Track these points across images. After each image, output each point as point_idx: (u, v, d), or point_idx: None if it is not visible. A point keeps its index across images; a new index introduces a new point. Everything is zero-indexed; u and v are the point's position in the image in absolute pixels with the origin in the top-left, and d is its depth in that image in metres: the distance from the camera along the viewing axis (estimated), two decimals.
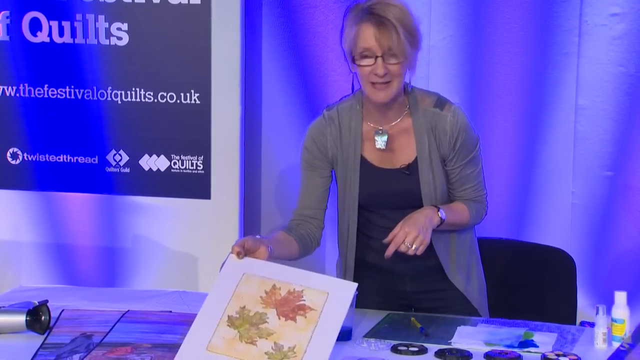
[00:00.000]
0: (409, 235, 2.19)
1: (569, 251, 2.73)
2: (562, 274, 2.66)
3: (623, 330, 2.04)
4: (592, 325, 2.14)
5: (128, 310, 2.34)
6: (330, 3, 3.45)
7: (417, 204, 2.33)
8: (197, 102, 3.35)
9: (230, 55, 3.30)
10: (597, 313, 2.04)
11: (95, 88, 3.38)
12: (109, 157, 3.41)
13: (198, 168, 3.38)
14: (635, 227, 3.29)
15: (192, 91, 3.35)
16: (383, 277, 2.44)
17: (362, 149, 2.35)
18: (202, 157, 3.37)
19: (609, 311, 2.06)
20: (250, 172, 3.54)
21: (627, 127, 3.26)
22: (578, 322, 2.77)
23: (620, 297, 2.04)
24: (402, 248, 2.19)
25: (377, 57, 2.18)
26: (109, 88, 3.38)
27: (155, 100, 3.36)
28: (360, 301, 2.33)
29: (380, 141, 2.32)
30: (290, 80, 3.53)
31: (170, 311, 2.38)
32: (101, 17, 3.33)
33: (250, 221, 3.56)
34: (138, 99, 3.37)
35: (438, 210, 2.29)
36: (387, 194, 2.35)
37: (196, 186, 3.37)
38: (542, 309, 2.61)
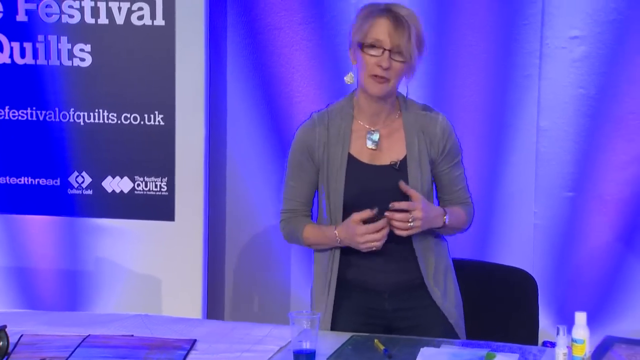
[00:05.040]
0: (417, 212, 2.24)
1: (531, 271, 2.75)
2: (524, 295, 2.67)
3: (583, 351, 2.05)
4: (554, 345, 2.15)
5: (89, 335, 2.31)
6: (295, 25, 3.47)
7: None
8: (161, 123, 3.34)
9: (194, 77, 3.30)
10: (557, 333, 2.06)
11: (57, 109, 3.36)
12: (71, 179, 3.38)
13: (162, 190, 3.36)
14: (595, 248, 3.32)
15: (156, 112, 3.34)
16: (362, 295, 2.43)
17: (350, 147, 2.37)
18: (166, 178, 3.35)
19: (569, 331, 2.07)
20: (215, 194, 3.53)
21: (588, 148, 3.30)
22: (540, 342, 2.78)
23: (580, 317, 2.05)
24: (402, 217, 2.23)
25: (384, 50, 2.25)
26: (72, 109, 3.35)
27: (119, 122, 3.35)
28: (339, 323, 2.34)
29: (371, 141, 2.36)
30: (255, 102, 3.54)
31: (132, 335, 2.35)
32: (64, 39, 3.32)
33: (215, 243, 3.54)
34: (101, 120, 3.35)
35: (445, 215, 2.34)
36: (375, 191, 2.34)
37: (160, 208, 3.36)
38: (504, 329, 2.61)
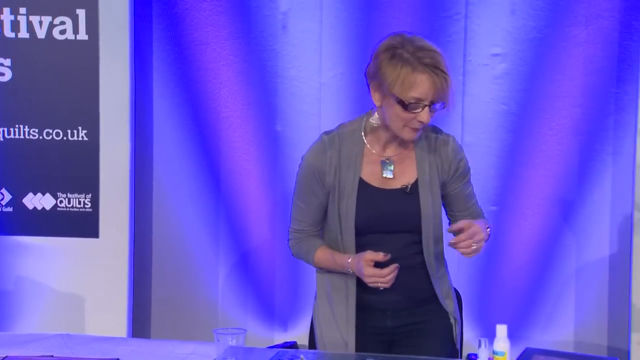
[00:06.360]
0: (478, 235, 2.19)
1: (455, 284, 2.78)
2: None
3: None
4: (477, 357, 2.19)
5: (6, 356, 2.26)
6: (222, 40, 3.46)
7: (415, 228, 2.31)
8: (85, 138, 3.29)
9: (119, 91, 3.27)
10: (479, 346, 2.09)
11: None
12: None
13: (86, 206, 3.31)
14: (517, 261, 3.39)
15: (80, 128, 3.29)
16: (364, 313, 2.37)
17: (362, 171, 2.33)
18: (90, 194, 3.30)
19: (491, 344, 2.10)
20: (141, 210, 3.48)
21: (510, 163, 3.37)
22: (465, 354, 2.82)
23: (501, 330, 2.09)
24: (467, 244, 2.19)
25: (425, 105, 2.19)
26: None
27: (41, 137, 3.28)
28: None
29: (388, 171, 2.32)
30: (182, 117, 3.51)
31: (52, 356, 2.31)
32: None
33: (140, 260, 3.49)
34: (22, 136, 3.28)
35: (487, 226, 2.31)
36: (386, 215, 2.31)
37: (84, 225, 3.30)
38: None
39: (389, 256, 2.23)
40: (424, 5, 3.34)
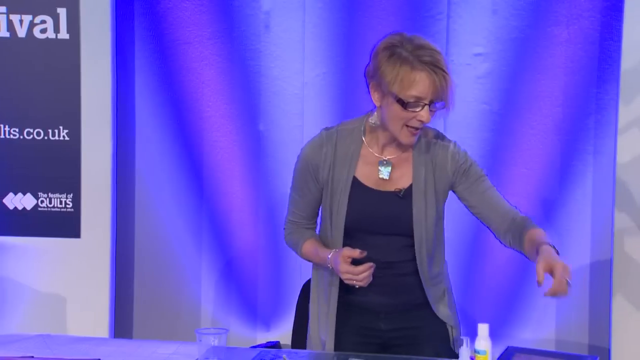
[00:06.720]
0: (565, 271, 2.06)
1: None
2: None
3: None
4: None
5: None
6: (204, 39, 3.45)
7: (406, 232, 2.29)
8: (66, 138, 3.27)
9: (100, 91, 3.26)
10: (460, 345, 2.10)
11: None
12: None
13: (67, 206, 3.29)
14: (499, 260, 3.40)
15: (61, 127, 3.27)
16: (358, 314, 2.37)
17: (357, 171, 2.31)
18: (71, 194, 3.29)
19: (472, 342, 2.11)
20: (123, 210, 3.46)
21: (492, 162, 3.38)
22: None
23: (483, 329, 2.10)
24: (561, 288, 2.05)
25: (424, 104, 2.17)
26: None
27: (21, 137, 3.27)
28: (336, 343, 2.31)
29: (385, 172, 2.30)
30: (164, 116, 3.50)
31: (32, 356, 2.29)
32: None
33: (122, 260, 3.48)
34: (2, 135, 3.27)
35: (554, 247, 2.19)
36: (377, 216, 2.29)
37: (65, 225, 3.29)
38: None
39: (365, 253, 2.21)
40: (406, 5, 3.35)
